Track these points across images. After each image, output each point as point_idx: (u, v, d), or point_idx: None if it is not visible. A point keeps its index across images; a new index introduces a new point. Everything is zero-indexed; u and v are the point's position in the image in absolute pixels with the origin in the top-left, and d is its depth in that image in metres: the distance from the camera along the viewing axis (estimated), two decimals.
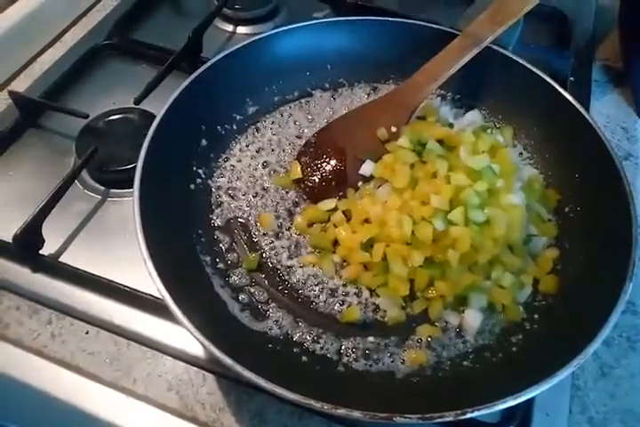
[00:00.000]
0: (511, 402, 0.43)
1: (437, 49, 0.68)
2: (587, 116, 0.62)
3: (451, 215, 0.55)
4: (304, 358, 0.53)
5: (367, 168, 0.64)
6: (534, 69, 0.67)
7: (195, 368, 0.56)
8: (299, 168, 0.66)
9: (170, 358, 0.56)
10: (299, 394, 0.43)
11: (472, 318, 0.55)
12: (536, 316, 0.56)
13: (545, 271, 0.58)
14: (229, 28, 0.90)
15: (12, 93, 0.73)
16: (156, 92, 0.72)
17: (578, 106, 0.63)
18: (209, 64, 0.65)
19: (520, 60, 0.68)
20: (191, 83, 0.62)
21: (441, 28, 0.71)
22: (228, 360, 0.44)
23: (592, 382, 0.57)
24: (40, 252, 0.61)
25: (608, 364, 0.58)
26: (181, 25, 0.83)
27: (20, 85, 0.78)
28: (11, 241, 0.58)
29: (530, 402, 0.54)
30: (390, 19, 0.72)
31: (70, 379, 0.54)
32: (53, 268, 0.61)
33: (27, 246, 0.60)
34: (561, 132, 0.66)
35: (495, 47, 0.68)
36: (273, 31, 0.70)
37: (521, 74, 0.68)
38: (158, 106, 0.60)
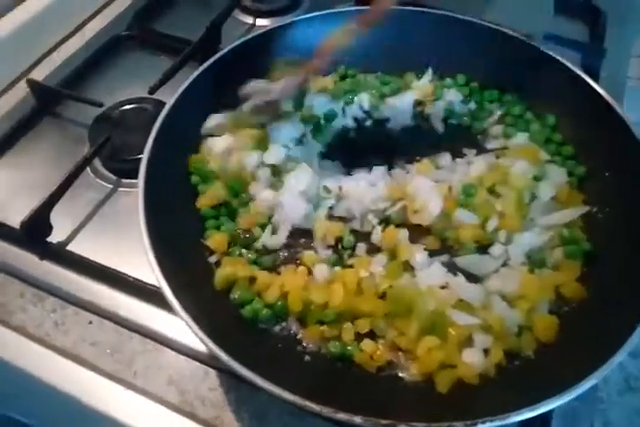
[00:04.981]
0: (527, 414, 0.40)
1: (454, 39, 0.67)
2: (619, 111, 0.59)
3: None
4: (307, 358, 0.51)
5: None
6: (567, 63, 0.65)
7: (197, 363, 0.54)
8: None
9: (173, 351, 0.55)
10: (297, 395, 0.40)
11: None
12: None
13: (571, 278, 0.54)
14: (249, 20, 0.88)
15: (29, 81, 0.73)
16: (171, 83, 0.71)
17: (610, 100, 0.60)
18: (220, 54, 0.64)
19: (553, 54, 0.65)
20: (202, 73, 0.62)
21: (458, 16, 0.69)
22: (224, 356, 0.42)
23: (616, 395, 0.53)
24: (48, 239, 0.61)
25: (634, 376, 0.54)
26: (202, 16, 0.82)
27: (39, 74, 0.78)
28: (18, 227, 0.58)
29: (548, 414, 0.50)
30: (411, 8, 0.70)
31: (70, 368, 0.53)
32: (60, 256, 0.60)
33: (34, 233, 0.59)
34: (592, 127, 0.63)
35: (527, 40, 0.66)
36: (284, 22, 0.68)
37: (553, 67, 0.65)
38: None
